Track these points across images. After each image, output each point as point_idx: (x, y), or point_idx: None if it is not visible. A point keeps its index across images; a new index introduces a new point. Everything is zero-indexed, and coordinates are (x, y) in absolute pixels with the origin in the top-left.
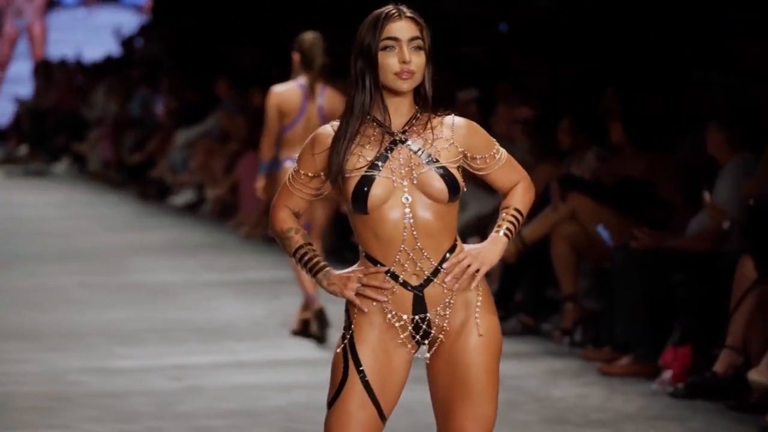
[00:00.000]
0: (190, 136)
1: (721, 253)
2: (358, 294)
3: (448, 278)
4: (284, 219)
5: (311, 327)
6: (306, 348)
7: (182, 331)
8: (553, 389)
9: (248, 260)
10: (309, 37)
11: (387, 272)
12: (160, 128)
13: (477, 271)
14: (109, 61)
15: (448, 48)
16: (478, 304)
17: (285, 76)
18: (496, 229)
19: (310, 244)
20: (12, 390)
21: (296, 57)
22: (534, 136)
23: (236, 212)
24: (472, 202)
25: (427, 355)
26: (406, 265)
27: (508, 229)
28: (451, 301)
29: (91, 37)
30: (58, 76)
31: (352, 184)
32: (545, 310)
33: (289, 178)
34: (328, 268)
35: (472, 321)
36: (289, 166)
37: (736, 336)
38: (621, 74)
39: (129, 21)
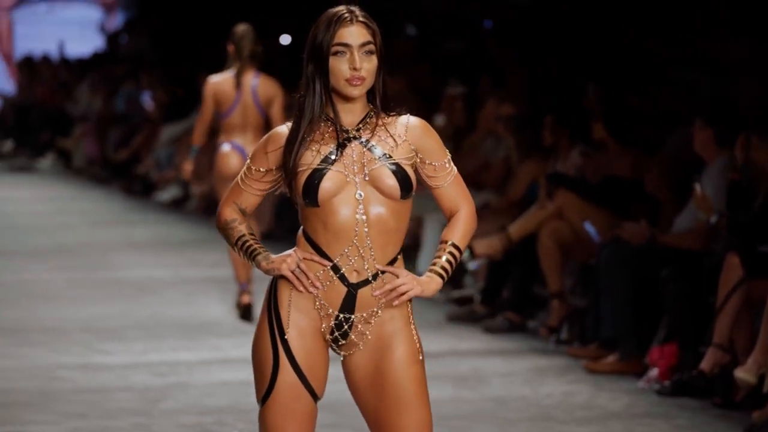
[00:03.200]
0: (176, 132)
1: (708, 251)
2: (294, 273)
3: (377, 292)
4: (228, 213)
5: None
6: None
7: (167, 328)
8: (539, 387)
9: None
10: (240, 29)
11: (330, 263)
12: (145, 124)
13: (405, 293)
14: (94, 57)
15: (432, 44)
16: (411, 319)
17: (270, 71)
18: (432, 266)
19: (253, 234)
20: None
21: (230, 48)
22: (518, 134)
23: None
24: None
25: (342, 353)
26: (352, 260)
27: (443, 268)
28: (379, 312)
29: (55, 32)
30: (42, 71)
31: (303, 178)
32: (532, 308)
33: (240, 176)
34: (268, 252)
35: (401, 334)
36: (226, 149)
37: (722, 334)
38: (603, 72)
39: (92, 16)
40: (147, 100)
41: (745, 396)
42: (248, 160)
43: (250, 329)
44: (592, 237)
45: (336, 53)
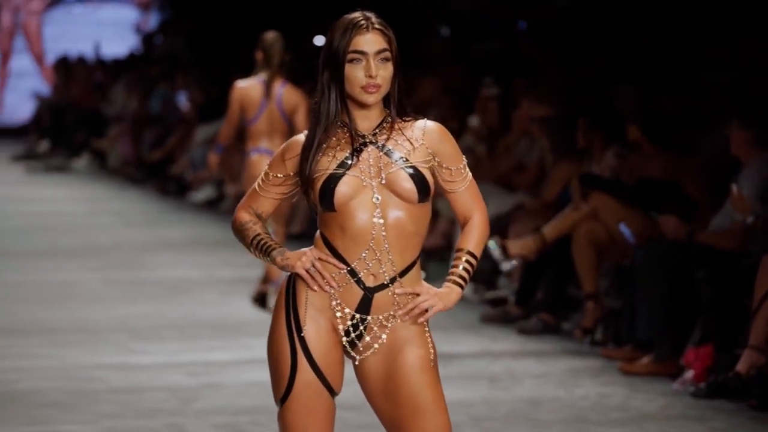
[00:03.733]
0: (210, 133)
1: (744, 252)
2: (309, 272)
3: (401, 312)
4: (243, 215)
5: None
6: None
7: (200, 328)
8: (573, 388)
9: None
10: (270, 36)
11: (347, 267)
12: (180, 125)
13: (428, 310)
14: (129, 58)
15: (466, 45)
16: (427, 325)
17: (304, 72)
18: (449, 275)
19: (268, 234)
20: (31, 386)
21: (259, 55)
22: (553, 135)
23: None
24: (490, 201)
25: (357, 357)
26: (370, 264)
27: (461, 277)
28: (395, 316)
29: (90, 33)
30: (77, 72)
31: (319, 183)
32: (566, 309)
33: (258, 182)
34: (284, 248)
35: (415, 340)
36: (254, 156)
37: (758, 335)
38: (637, 73)
39: (127, 16)
40: (182, 101)
41: None
42: (266, 167)
43: None
44: (627, 238)
45: (352, 60)
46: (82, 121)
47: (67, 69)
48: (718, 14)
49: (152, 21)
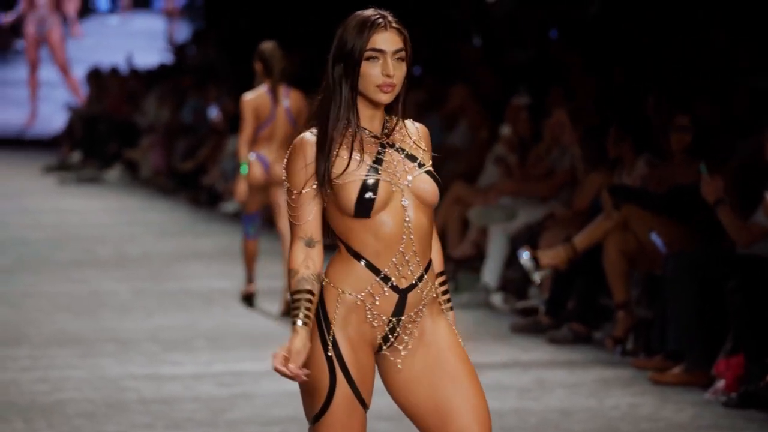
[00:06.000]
0: None
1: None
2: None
3: None
4: (295, 257)
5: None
6: None
7: (232, 338)
8: (604, 398)
9: None
10: (267, 47)
11: (379, 275)
12: (212, 135)
13: None
14: (161, 68)
15: (498, 53)
16: (450, 316)
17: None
18: (444, 307)
19: (311, 291)
20: (64, 396)
21: (258, 66)
22: (584, 144)
23: None
24: (521, 211)
25: (399, 361)
26: (400, 268)
27: (449, 300)
28: (423, 309)
29: (123, 44)
30: (109, 83)
31: (353, 190)
32: (597, 318)
33: (290, 215)
34: (296, 330)
35: (444, 322)
36: (251, 158)
37: None
38: (671, 80)
39: (159, 27)
40: (213, 112)
41: None
42: (289, 189)
43: None
44: (659, 248)
45: (369, 58)
46: (115, 131)
47: (99, 80)
48: (752, 19)
49: (184, 31)
